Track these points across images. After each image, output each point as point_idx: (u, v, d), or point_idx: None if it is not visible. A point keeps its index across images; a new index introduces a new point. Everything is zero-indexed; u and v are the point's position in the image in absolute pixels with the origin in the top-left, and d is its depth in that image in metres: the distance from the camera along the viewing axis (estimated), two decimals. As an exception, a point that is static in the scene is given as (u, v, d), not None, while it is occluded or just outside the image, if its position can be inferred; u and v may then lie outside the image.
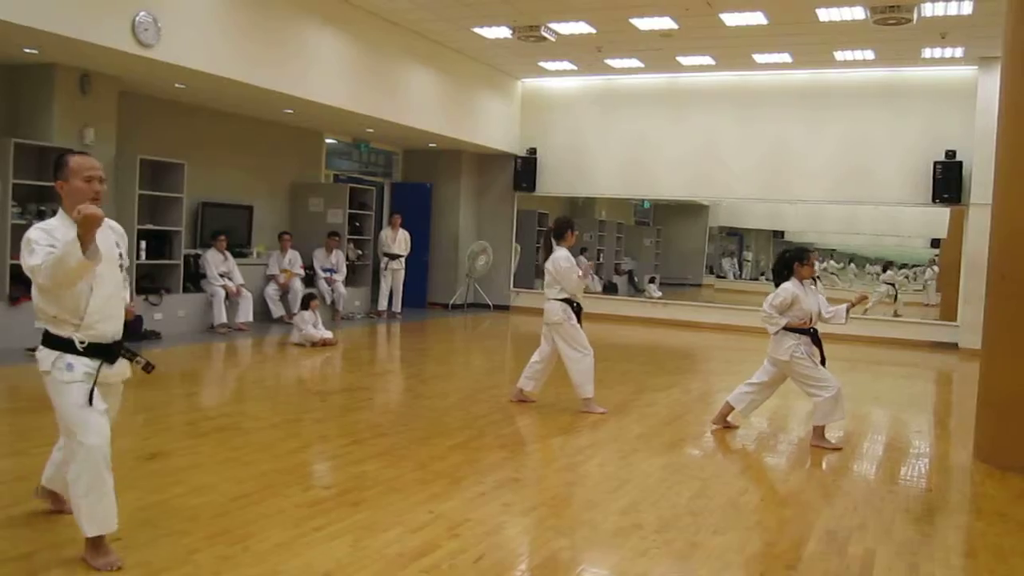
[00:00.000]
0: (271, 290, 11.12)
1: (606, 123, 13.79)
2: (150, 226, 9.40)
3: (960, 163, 11.54)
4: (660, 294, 14.62)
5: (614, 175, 13.82)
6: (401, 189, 14.58)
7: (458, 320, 13.04)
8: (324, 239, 11.76)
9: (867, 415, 6.87)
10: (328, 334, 9.31)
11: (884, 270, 14.94)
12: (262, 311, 10.92)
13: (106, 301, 3.16)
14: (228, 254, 10.31)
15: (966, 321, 11.24)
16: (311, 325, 9.24)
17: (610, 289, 15.34)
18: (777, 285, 5.72)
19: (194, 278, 10.10)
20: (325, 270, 11.76)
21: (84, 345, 3.10)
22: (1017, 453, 5.13)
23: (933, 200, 11.79)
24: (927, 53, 11.11)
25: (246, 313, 10.32)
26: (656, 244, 17.23)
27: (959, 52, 10.97)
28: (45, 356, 3.12)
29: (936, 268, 14.35)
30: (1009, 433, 5.21)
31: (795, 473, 5.08)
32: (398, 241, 12.77)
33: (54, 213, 3.26)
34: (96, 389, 3.11)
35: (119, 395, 3.38)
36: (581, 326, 6.34)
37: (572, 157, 14.02)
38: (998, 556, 3.72)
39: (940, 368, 10.71)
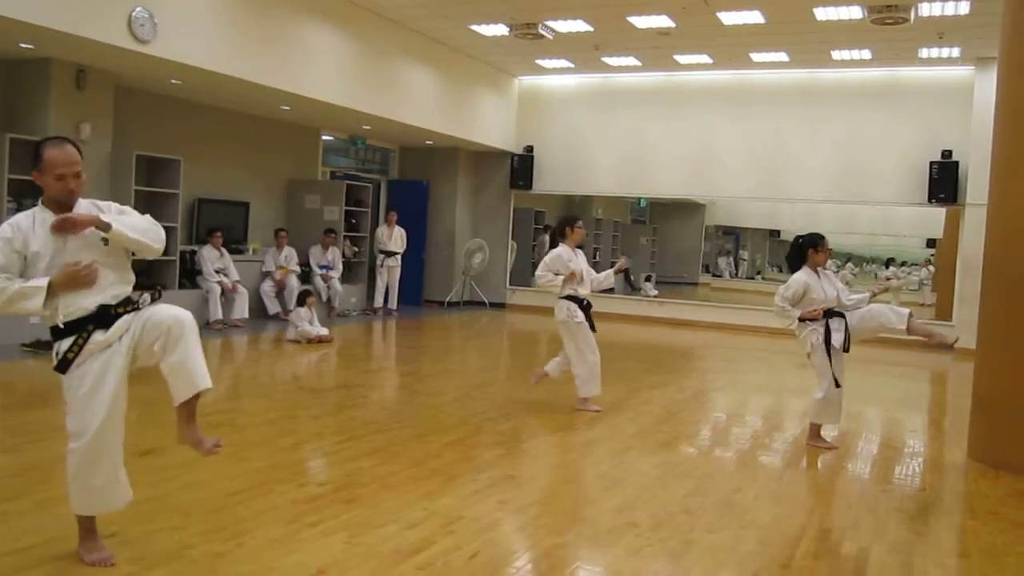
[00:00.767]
0: (267, 287, 11.10)
1: (603, 121, 13.78)
2: (146, 222, 9.36)
3: (956, 163, 11.55)
4: (656, 292, 14.64)
5: (611, 173, 13.80)
6: (398, 186, 14.56)
7: (454, 318, 13.03)
8: (320, 236, 11.76)
9: (861, 414, 6.87)
10: (324, 331, 9.31)
11: (886, 267, 14.94)
12: (258, 308, 10.90)
13: None
14: (224, 250, 10.30)
15: (961, 321, 11.24)
16: (307, 322, 9.24)
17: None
18: (793, 272, 5.56)
19: (190, 274, 10.09)
20: (321, 267, 11.75)
21: (64, 324, 2.98)
22: (1011, 452, 5.14)
23: (929, 200, 11.79)
24: (924, 53, 11.13)
25: (242, 310, 10.30)
26: (652, 243, 17.26)
27: (956, 52, 10.98)
28: (53, 352, 3.06)
29: (932, 268, 14.37)
30: (1003, 432, 5.22)
31: (789, 472, 5.09)
32: (394, 238, 12.77)
33: None
34: (98, 365, 3.00)
35: (123, 354, 3.06)
36: (592, 324, 6.25)
37: (569, 155, 14.01)
38: (991, 555, 3.73)
39: (934, 368, 10.73)
